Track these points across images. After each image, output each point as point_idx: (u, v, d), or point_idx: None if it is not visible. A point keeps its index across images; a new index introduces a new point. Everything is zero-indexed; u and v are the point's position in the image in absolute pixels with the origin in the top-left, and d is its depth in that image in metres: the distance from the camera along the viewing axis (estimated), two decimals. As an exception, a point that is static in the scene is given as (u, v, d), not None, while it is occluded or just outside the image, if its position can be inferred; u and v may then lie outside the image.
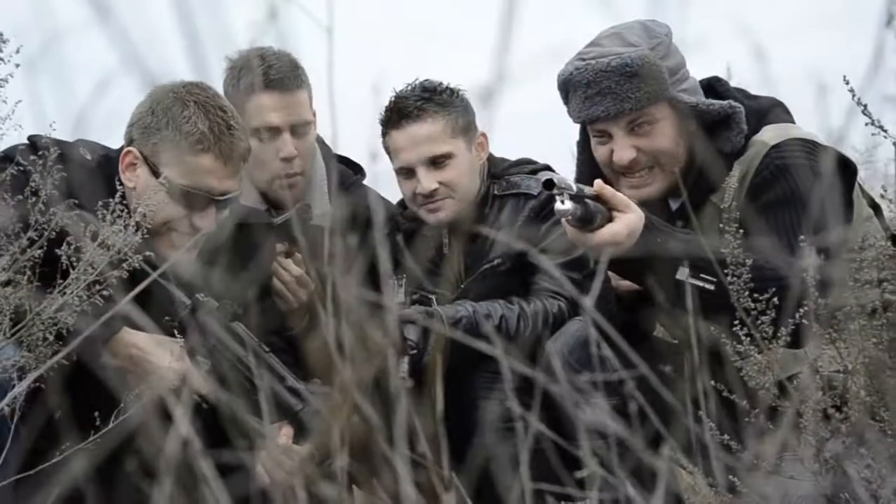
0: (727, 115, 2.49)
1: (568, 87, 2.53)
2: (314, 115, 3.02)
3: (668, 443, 1.49)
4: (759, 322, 1.86)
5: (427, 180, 2.89)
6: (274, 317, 2.64)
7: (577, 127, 2.68)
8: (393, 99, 2.95)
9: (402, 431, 1.04)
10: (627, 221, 2.13)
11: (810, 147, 2.40)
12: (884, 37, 1.09)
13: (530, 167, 3.07)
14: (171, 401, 2.19)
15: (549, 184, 2.04)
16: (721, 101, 2.51)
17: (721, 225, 1.98)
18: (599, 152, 2.57)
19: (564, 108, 2.62)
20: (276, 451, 2.32)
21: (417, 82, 2.97)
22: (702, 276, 2.05)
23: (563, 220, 2.09)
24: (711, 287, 2.01)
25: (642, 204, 2.25)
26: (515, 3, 0.75)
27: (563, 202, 2.04)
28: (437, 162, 2.90)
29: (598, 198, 2.12)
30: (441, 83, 2.97)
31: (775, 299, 1.82)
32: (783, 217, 2.31)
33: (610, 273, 2.34)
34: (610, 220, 2.13)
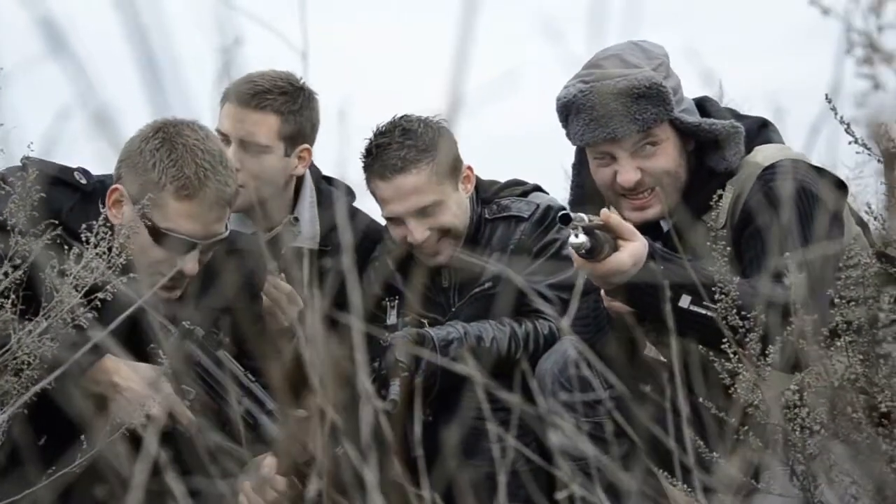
0: (727, 136, 2.49)
1: (569, 109, 2.49)
2: (284, 143, 2.95)
3: (641, 461, 1.48)
4: (748, 340, 1.85)
5: (418, 231, 2.86)
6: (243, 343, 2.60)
7: (569, 148, 2.67)
8: (374, 144, 2.89)
9: (372, 456, 1.03)
10: (632, 250, 2.14)
11: (803, 169, 2.40)
12: (842, 63, 1.09)
13: (521, 189, 3.06)
14: (143, 428, 2.18)
15: (565, 218, 2.06)
16: (723, 121, 2.51)
17: (709, 244, 1.97)
18: (601, 174, 2.54)
19: (563, 131, 2.58)
20: (259, 482, 2.30)
21: (396, 121, 2.91)
22: (704, 303, 2.04)
23: (572, 251, 2.10)
24: (713, 315, 2.00)
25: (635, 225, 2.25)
26: (469, 32, 0.75)
27: (577, 236, 2.06)
28: (425, 211, 2.86)
29: (604, 226, 2.12)
30: (420, 120, 2.90)
31: (762, 317, 1.81)
32: (773, 244, 2.30)
33: (603, 294, 2.33)
34: (615, 248, 2.13)
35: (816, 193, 2.32)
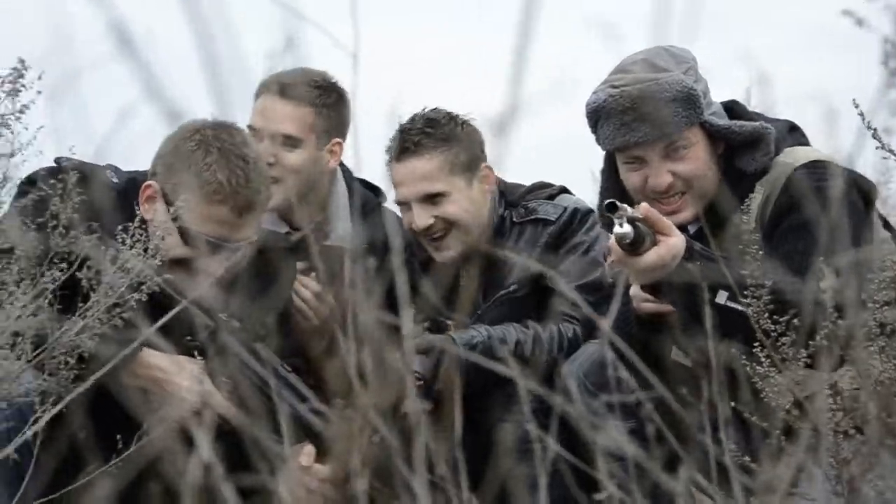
0: (758, 137, 2.50)
1: (599, 114, 2.50)
2: (317, 137, 2.98)
3: (685, 465, 1.49)
4: (780, 343, 1.85)
5: (420, 217, 2.89)
6: (294, 339, 2.64)
7: (599, 154, 2.67)
8: (399, 129, 2.94)
9: (421, 454, 1.04)
10: (671, 246, 2.14)
11: (833, 170, 2.40)
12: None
13: (547, 192, 3.07)
14: (192, 423, 2.21)
15: (611, 206, 2.08)
16: (753, 123, 2.52)
17: (740, 246, 1.98)
18: (632, 179, 2.54)
19: (593, 137, 2.60)
20: (298, 472, 2.32)
21: (425, 112, 2.96)
22: (741, 300, 2.05)
23: (614, 242, 2.11)
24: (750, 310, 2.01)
25: None
26: (529, 36, 0.77)
27: (621, 225, 2.08)
28: (431, 198, 2.90)
29: (644, 220, 2.13)
30: (448, 114, 2.95)
31: (795, 321, 1.82)
32: (809, 241, 2.31)
33: (633, 294, 2.34)
34: (655, 243, 2.14)
35: (848, 195, 2.32)
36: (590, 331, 2.88)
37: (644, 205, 2.17)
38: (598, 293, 2.91)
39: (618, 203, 2.06)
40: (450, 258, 2.94)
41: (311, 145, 2.96)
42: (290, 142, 2.93)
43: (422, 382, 2.69)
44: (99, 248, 2.08)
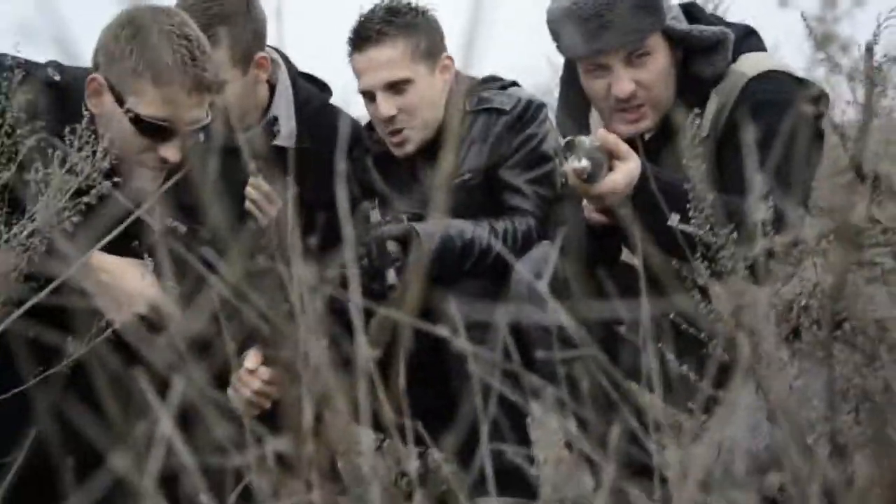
0: (717, 42, 2.49)
1: (561, 22, 2.49)
2: (241, 67, 2.92)
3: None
4: (720, 256, 1.89)
5: (385, 106, 2.88)
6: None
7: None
8: (358, 19, 2.93)
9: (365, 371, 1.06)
10: (626, 171, 2.19)
11: (788, 80, 2.41)
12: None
13: (499, 83, 3.07)
14: (137, 325, 2.23)
15: (570, 144, 2.12)
16: (713, 28, 2.51)
17: (686, 155, 2.00)
18: (595, 86, 2.54)
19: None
20: (244, 375, 2.36)
21: (384, 2, 2.94)
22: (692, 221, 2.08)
23: (572, 175, 2.14)
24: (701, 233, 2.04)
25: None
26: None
27: (579, 160, 2.12)
28: (395, 87, 2.89)
29: (600, 147, 2.15)
30: (408, 3, 2.93)
31: (734, 234, 1.85)
32: (761, 156, 2.33)
33: (584, 205, 2.37)
34: (610, 168, 2.17)
35: (797, 108, 2.34)
36: (544, 225, 2.91)
37: (601, 132, 2.19)
38: (550, 187, 2.94)
39: (575, 139, 2.08)
40: (408, 153, 2.94)
41: (238, 77, 2.92)
42: (219, 86, 2.87)
43: (398, 262, 2.73)
44: (45, 149, 2.07)
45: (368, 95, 2.92)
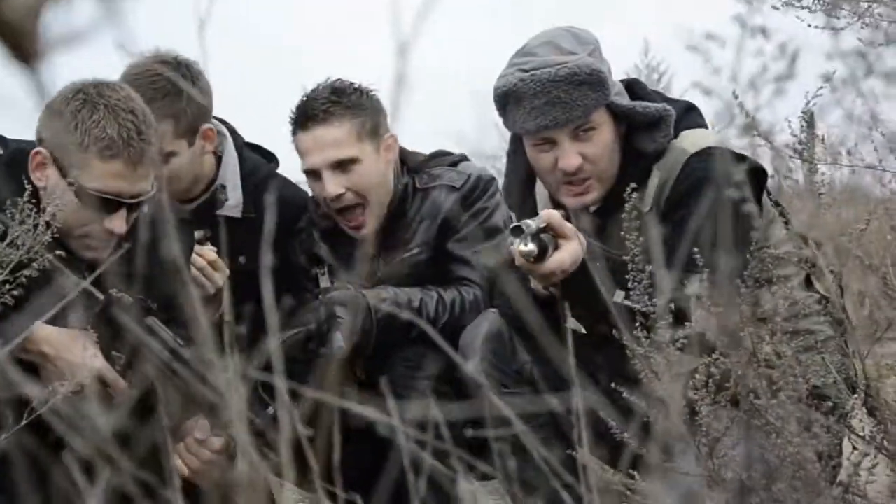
0: (659, 118, 2.55)
1: (509, 98, 2.53)
2: (187, 140, 2.91)
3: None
4: (658, 326, 1.92)
5: (332, 185, 2.89)
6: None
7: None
8: (302, 99, 2.94)
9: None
10: (571, 250, 2.24)
11: (727, 157, 2.47)
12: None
13: (449, 159, 3.10)
14: (80, 397, 2.22)
15: (517, 230, 2.19)
16: (656, 105, 2.57)
17: (623, 233, 2.04)
18: (542, 161, 2.58)
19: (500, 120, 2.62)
20: (193, 445, 2.35)
21: (328, 82, 2.96)
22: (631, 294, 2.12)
23: (519, 257, 2.20)
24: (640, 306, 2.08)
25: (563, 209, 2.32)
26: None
27: (526, 244, 2.18)
28: (342, 165, 2.90)
29: (546, 227, 2.20)
30: (351, 84, 2.96)
31: (672, 305, 1.88)
32: (701, 230, 2.38)
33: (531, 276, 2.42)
34: (556, 247, 2.22)
35: (737, 184, 2.40)
36: (491, 296, 2.94)
37: (546, 212, 2.25)
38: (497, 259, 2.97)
39: (522, 224, 2.14)
40: (364, 236, 2.96)
41: (185, 149, 2.92)
42: (167, 157, 2.87)
43: (345, 326, 2.74)
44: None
45: (313, 174, 2.93)
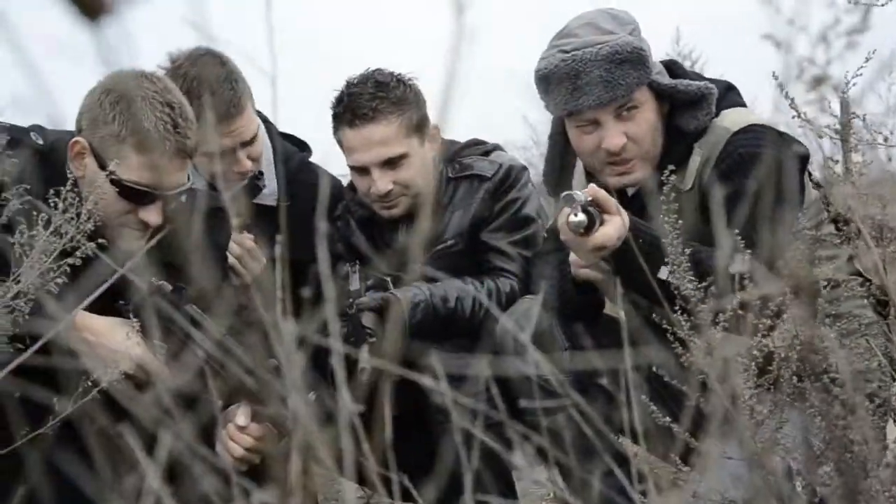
0: (701, 97, 2.54)
1: (550, 79, 2.52)
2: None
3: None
4: (699, 309, 1.91)
5: (382, 182, 2.90)
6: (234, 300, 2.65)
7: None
8: (346, 93, 2.93)
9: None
10: (617, 225, 2.23)
11: (770, 134, 2.45)
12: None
13: (482, 148, 3.10)
14: (123, 385, 2.23)
15: (569, 198, 2.18)
16: (697, 82, 2.56)
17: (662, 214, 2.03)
18: (586, 142, 2.57)
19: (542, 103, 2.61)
20: (235, 432, 2.36)
21: (370, 74, 2.95)
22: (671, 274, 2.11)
23: (567, 228, 2.20)
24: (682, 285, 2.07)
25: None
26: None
27: (576, 214, 2.19)
28: (391, 163, 2.90)
29: (592, 202, 2.20)
30: (393, 75, 2.95)
31: (713, 288, 1.87)
32: (745, 208, 2.37)
33: (571, 260, 2.41)
34: (602, 223, 2.21)
35: (782, 161, 2.38)
36: (526, 285, 2.93)
37: (592, 187, 2.24)
38: (532, 249, 2.97)
39: (574, 194, 2.14)
40: (395, 216, 2.96)
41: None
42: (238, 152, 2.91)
43: (374, 339, 2.72)
44: (30, 212, 2.09)
45: (360, 170, 2.93)
